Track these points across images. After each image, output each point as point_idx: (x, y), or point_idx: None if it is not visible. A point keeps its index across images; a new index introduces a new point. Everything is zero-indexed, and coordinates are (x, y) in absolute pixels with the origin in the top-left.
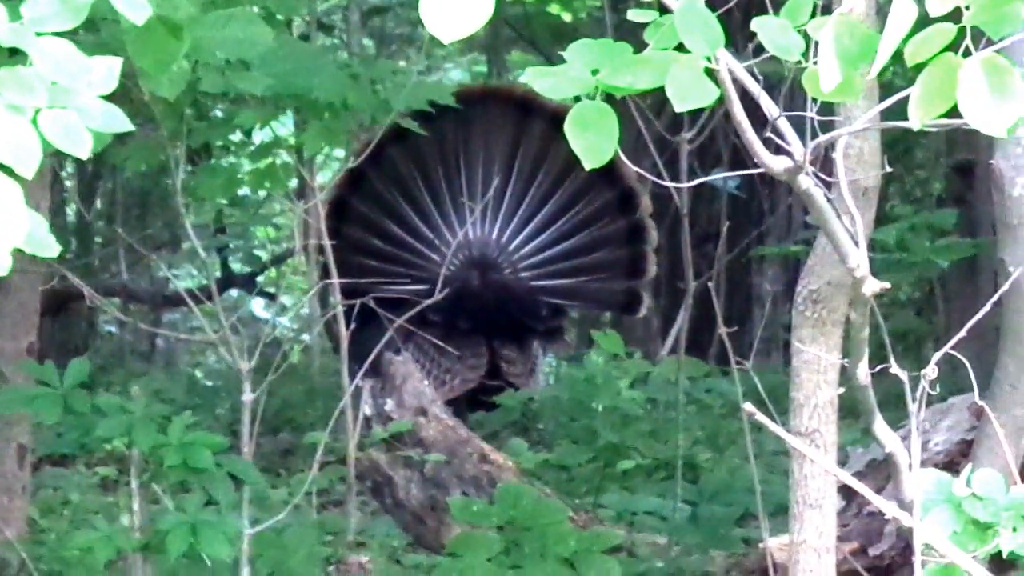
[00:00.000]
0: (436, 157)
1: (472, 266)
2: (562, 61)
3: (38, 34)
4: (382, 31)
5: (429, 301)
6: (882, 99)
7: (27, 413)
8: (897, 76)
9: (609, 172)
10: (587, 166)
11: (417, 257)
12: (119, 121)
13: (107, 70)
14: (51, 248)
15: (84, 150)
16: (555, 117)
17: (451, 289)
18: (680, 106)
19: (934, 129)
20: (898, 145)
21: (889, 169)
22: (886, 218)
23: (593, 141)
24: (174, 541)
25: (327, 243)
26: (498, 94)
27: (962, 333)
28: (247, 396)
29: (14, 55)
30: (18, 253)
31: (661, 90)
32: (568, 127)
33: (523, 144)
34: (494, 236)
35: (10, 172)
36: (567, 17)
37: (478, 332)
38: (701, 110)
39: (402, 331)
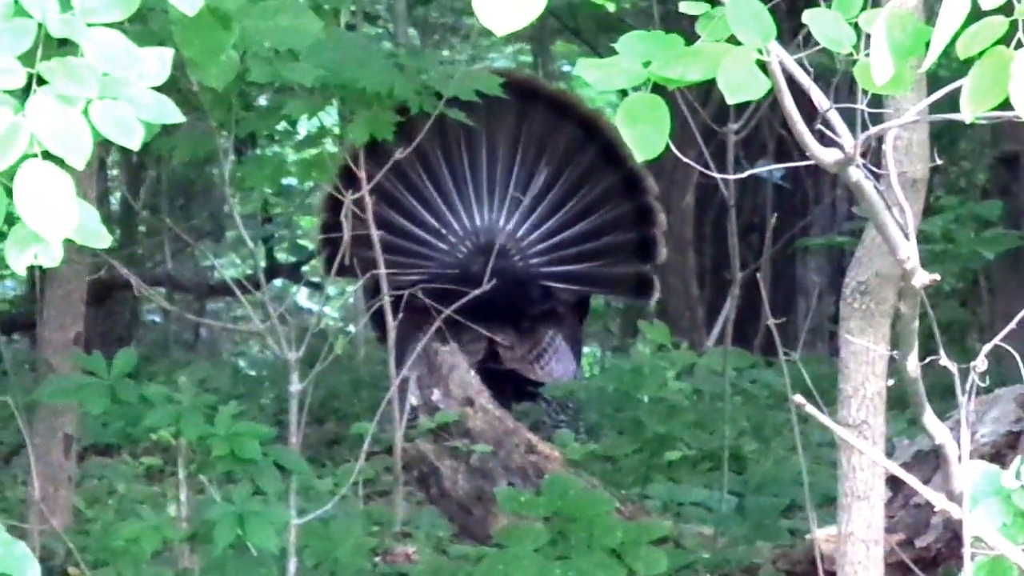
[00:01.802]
0: (436, 145)
1: (480, 253)
2: (608, 52)
3: (89, 25)
4: (426, 21)
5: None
6: (929, 91)
7: (73, 403)
8: (943, 68)
9: (610, 154)
10: (638, 158)
11: (423, 247)
12: (170, 111)
13: (158, 61)
14: (102, 239)
15: (135, 141)
16: (554, 101)
17: (456, 276)
18: (732, 98)
19: (984, 122)
20: (943, 136)
21: (939, 161)
22: (931, 209)
23: (645, 133)
24: (221, 531)
25: (375, 234)
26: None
27: (1012, 325)
28: (295, 386)
29: (64, 45)
30: (66, 243)
31: (708, 81)
32: (619, 119)
33: (525, 129)
34: (501, 223)
35: (61, 163)
36: (612, 7)
37: (477, 318)
38: (748, 101)
39: (409, 320)
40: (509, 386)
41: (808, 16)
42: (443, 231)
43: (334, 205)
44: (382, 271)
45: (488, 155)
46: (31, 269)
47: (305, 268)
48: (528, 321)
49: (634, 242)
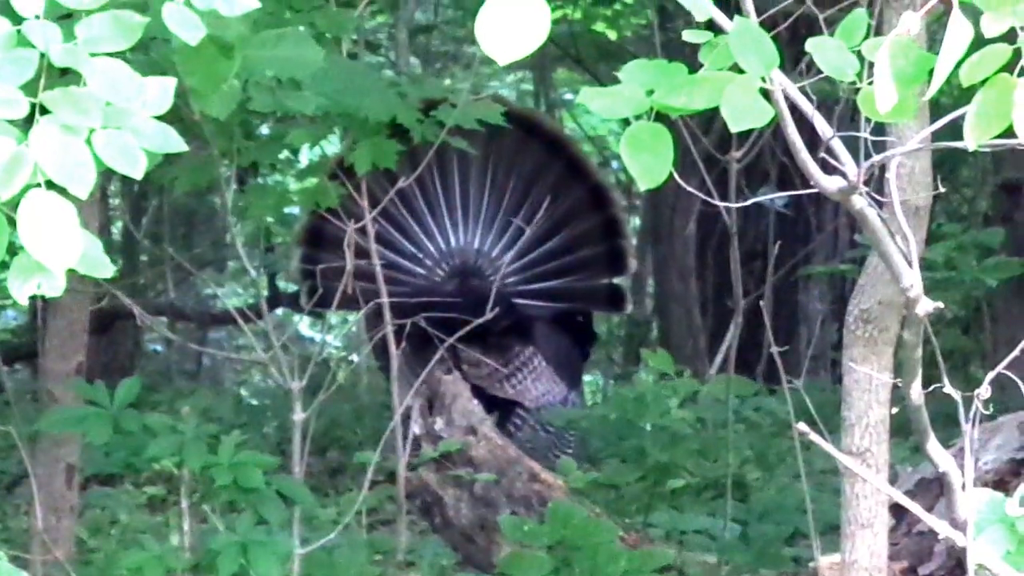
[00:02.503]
0: (408, 170)
1: (456, 275)
2: (610, 80)
3: (92, 54)
4: (428, 49)
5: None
6: (932, 119)
7: (76, 432)
8: (945, 96)
9: (575, 169)
10: (642, 187)
11: (399, 272)
12: (173, 141)
13: (161, 90)
14: (105, 268)
15: (138, 170)
16: (521, 119)
17: (428, 298)
18: (735, 126)
19: (986, 150)
20: (945, 164)
21: (941, 189)
22: (934, 237)
23: (648, 162)
24: (224, 561)
25: (377, 263)
26: None
27: (1015, 353)
28: (297, 415)
29: (67, 75)
30: (69, 273)
31: (710, 109)
32: (623, 148)
33: (494, 148)
34: (476, 244)
35: (64, 192)
36: (613, 35)
37: (445, 336)
38: (751, 129)
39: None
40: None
41: (811, 44)
42: (419, 255)
43: (311, 237)
44: (384, 300)
45: (460, 177)
46: (33, 299)
47: None
48: (496, 337)
49: (604, 255)
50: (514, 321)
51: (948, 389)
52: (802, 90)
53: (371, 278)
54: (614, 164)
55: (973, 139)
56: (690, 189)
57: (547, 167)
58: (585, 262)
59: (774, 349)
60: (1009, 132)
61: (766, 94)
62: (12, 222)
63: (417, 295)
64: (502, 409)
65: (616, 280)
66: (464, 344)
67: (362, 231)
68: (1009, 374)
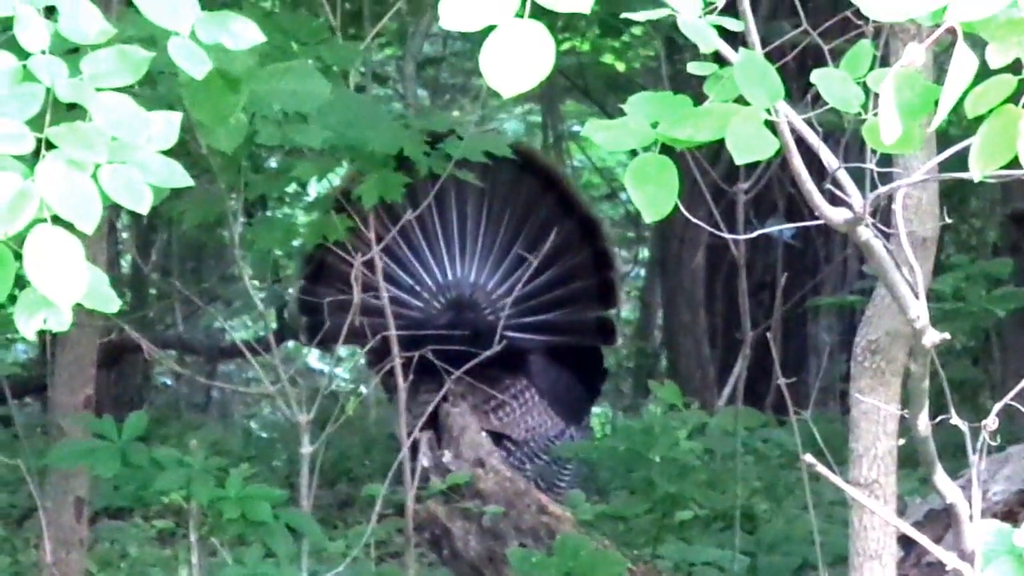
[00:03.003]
0: (407, 204)
1: (452, 308)
2: (617, 112)
3: (98, 89)
4: (436, 82)
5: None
6: (938, 149)
7: (85, 466)
8: (952, 126)
9: (565, 202)
10: (647, 219)
11: (396, 305)
12: (179, 176)
13: (167, 124)
14: (111, 303)
15: (144, 205)
16: (517, 153)
17: (429, 332)
18: (741, 158)
19: (993, 180)
20: (953, 194)
21: (948, 220)
22: (942, 268)
23: (654, 194)
24: None
25: (384, 295)
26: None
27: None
28: (306, 448)
29: (73, 109)
30: (76, 307)
31: (717, 141)
32: (628, 180)
33: (490, 181)
34: (472, 277)
35: (70, 227)
36: (621, 67)
37: (432, 371)
38: (757, 161)
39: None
40: None
41: (817, 76)
42: (416, 288)
43: (312, 272)
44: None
45: (457, 210)
46: (41, 333)
47: None
48: (485, 368)
49: (595, 287)
50: (505, 353)
51: (956, 420)
52: (808, 121)
53: (372, 312)
54: (623, 195)
55: (979, 169)
56: (698, 221)
57: (540, 200)
58: (576, 295)
59: (782, 380)
60: (1015, 163)
61: (771, 126)
62: (19, 257)
63: (414, 327)
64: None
65: (606, 313)
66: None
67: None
68: (1017, 405)
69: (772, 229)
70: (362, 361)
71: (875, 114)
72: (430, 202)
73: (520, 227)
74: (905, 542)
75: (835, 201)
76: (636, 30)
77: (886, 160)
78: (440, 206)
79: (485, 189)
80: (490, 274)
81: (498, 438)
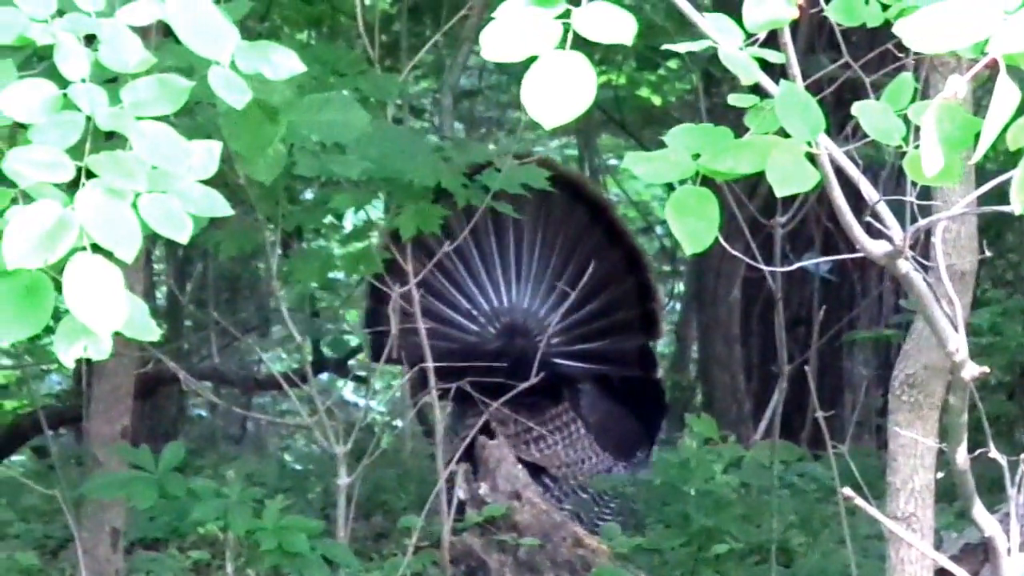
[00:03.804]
0: (464, 227)
1: (504, 334)
2: (654, 145)
3: (138, 118)
4: (472, 114)
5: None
6: (977, 183)
7: (121, 497)
8: (990, 161)
9: (613, 233)
10: (687, 251)
11: (454, 328)
12: (219, 205)
13: (207, 154)
14: (151, 332)
15: (184, 235)
16: (569, 183)
17: (482, 357)
18: (781, 191)
19: None
20: (991, 228)
21: (987, 254)
22: (979, 302)
23: (694, 226)
24: None
25: (422, 327)
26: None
27: None
28: (342, 480)
29: (112, 138)
30: (114, 336)
31: (755, 174)
32: (669, 212)
33: (544, 210)
34: (524, 303)
35: (110, 256)
36: (657, 101)
37: (483, 395)
38: (795, 194)
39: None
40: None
41: (857, 108)
42: (473, 312)
43: (375, 292)
44: (429, 364)
45: (514, 236)
46: (78, 363)
47: (352, 362)
48: (526, 396)
49: (638, 318)
50: (551, 382)
51: (994, 454)
52: (848, 154)
53: (428, 334)
54: (658, 229)
55: (1020, 203)
56: (735, 253)
57: (589, 230)
58: (621, 325)
59: (819, 414)
60: None
61: (812, 158)
62: (58, 285)
63: (465, 352)
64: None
65: (648, 343)
66: (496, 402)
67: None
68: None
69: (809, 263)
70: (398, 394)
71: (916, 147)
72: (487, 227)
73: (570, 255)
74: None
75: (874, 234)
76: (673, 63)
77: (925, 193)
78: (498, 231)
79: (539, 216)
80: (542, 301)
81: (536, 471)
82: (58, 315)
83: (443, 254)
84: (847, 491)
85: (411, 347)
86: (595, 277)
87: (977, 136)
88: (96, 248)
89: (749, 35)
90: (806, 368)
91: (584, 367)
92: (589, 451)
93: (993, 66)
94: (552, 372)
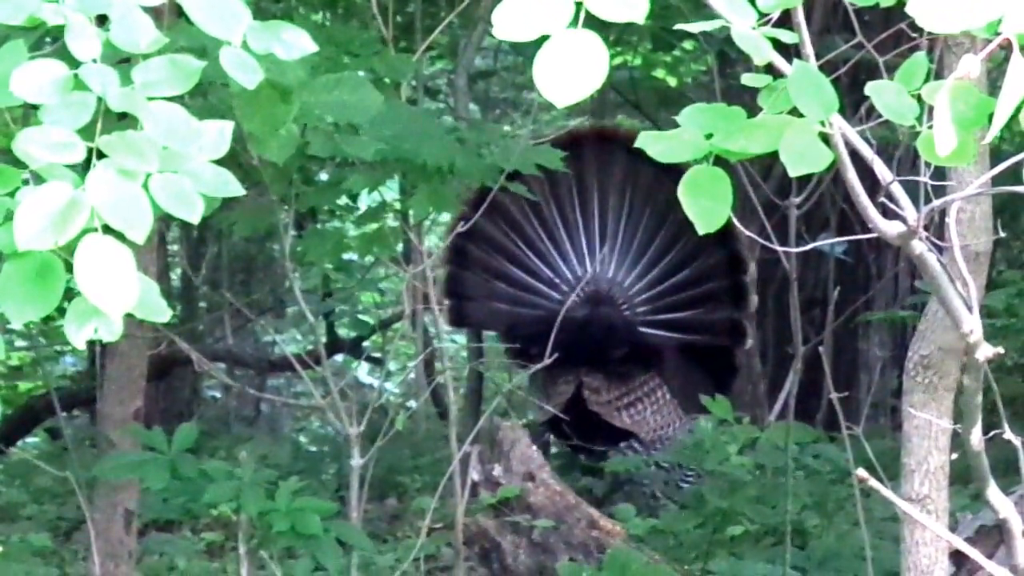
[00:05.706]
0: (549, 198)
1: (588, 302)
2: (668, 125)
3: (149, 98)
4: (487, 95)
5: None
6: (992, 163)
7: (134, 478)
8: (1005, 141)
9: None
10: (700, 231)
11: (536, 296)
12: (230, 185)
13: (218, 134)
14: (162, 313)
15: (195, 215)
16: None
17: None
18: (794, 171)
19: None
20: (1005, 209)
21: (1002, 234)
22: (994, 283)
23: (707, 206)
24: None
25: (436, 309)
26: (605, 134)
27: None
28: (356, 461)
29: (124, 119)
30: (126, 318)
31: (770, 154)
32: (682, 192)
33: (630, 182)
34: (610, 273)
35: (121, 237)
36: (673, 82)
37: (569, 361)
38: (810, 174)
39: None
40: (598, 431)
41: (871, 88)
42: (556, 280)
43: (456, 257)
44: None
45: (599, 205)
46: (91, 344)
47: (366, 343)
48: (618, 365)
49: (728, 289)
50: (637, 349)
51: (1009, 435)
52: (862, 134)
53: (509, 300)
54: None
55: None
56: (750, 234)
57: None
58: (710, 295)
59: (834, 396)
60: None
61: (825, 138)
62: (69, 266)
63: (551, 319)
64: (619, 439)
65: (738, 314)
66: (588, 371)
67: (502, 254)
68: None
69: (824, 244)
70: (416, 373)
71: (930, 127)
72: (572, 196)
73: (660, 226)
74: (957, 558)
75: (889, 215)
76: (688, 44)
77: (940, 174)
78: (583, 200)
79: (627, 187)
80: (628, 271)
81: (626, 436)
82: (71, 297)
83: (509, 213)
84: (862, 473)
85: (492, 313)
86: (685, 247)
87: (991, 116)
88: (107, 229)
89: (762, 15)
90: (821, 349)
91: (673, 337)
92: (674, 415)
93: (1007, 45)
94: (641, 341)
